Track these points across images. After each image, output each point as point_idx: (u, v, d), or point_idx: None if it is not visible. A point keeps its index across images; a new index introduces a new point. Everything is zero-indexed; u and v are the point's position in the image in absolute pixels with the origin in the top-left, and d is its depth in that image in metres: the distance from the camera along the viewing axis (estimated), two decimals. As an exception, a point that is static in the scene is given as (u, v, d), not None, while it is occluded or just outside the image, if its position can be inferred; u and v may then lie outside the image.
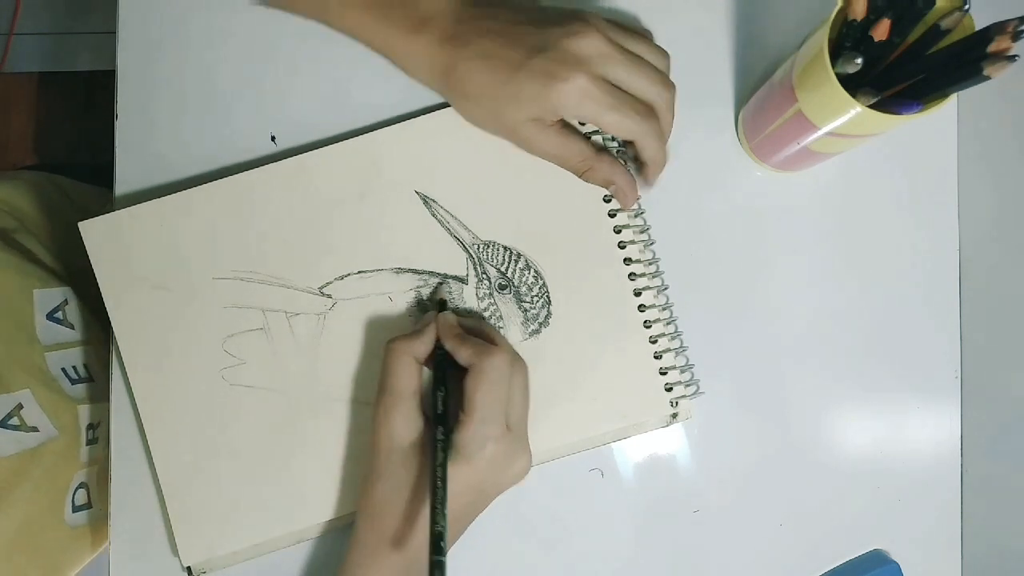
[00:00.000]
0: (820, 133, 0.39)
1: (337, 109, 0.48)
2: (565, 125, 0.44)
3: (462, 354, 0.41)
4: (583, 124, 0.46)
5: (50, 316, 0.54)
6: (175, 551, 0.46)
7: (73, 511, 0.54)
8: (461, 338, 0.42)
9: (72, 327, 0.56)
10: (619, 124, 0.42)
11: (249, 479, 0.45)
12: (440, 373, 0.42)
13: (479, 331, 0.44)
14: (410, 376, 0.41)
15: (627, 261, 0.46)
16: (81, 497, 0.55)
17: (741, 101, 0.49)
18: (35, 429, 0.50)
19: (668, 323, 0.46)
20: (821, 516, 0.48)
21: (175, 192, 0.46)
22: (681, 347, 0.47)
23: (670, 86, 0.43)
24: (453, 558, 0.46)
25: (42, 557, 0.53)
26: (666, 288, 0.47)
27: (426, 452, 0.41)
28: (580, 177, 0.45)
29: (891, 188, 0.49)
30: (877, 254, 0.49)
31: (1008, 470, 0.50)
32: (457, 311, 0.46)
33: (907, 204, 0.49)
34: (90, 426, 0.55)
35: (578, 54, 0.41)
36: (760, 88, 0.45)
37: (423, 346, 0.42)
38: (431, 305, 0.46)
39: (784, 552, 0.48)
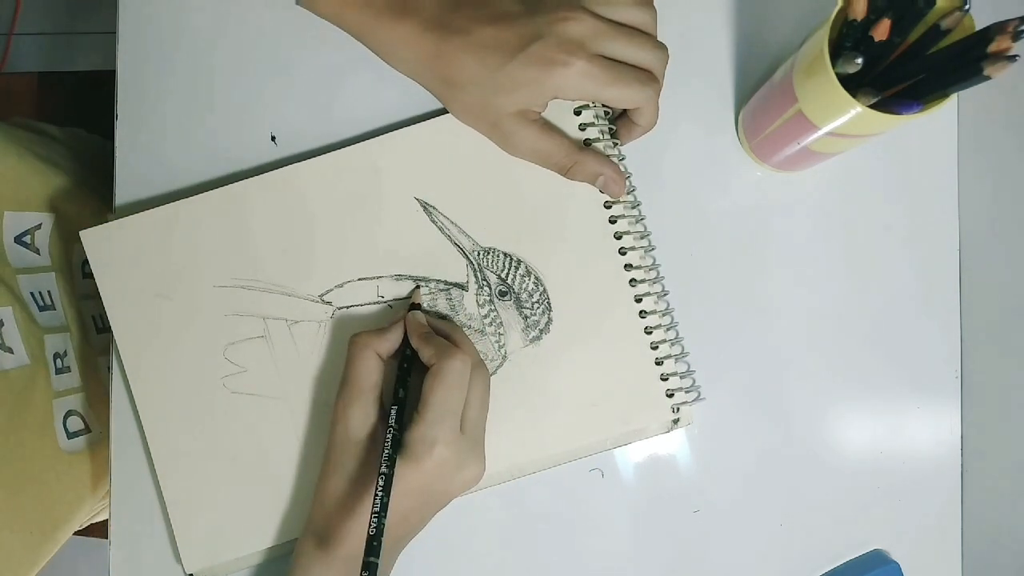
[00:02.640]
0: (820, 133, 0.39)
1: (337, 114, 0.48)
2: (546, 123, 0.44)
3: (425, 352, 0.42)
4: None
5: (17, 239, 0.54)
6: (177, 558, 0.46)
7: (69, 437, 0.54)
8: (426, 337, 0.42)
9: (38, 252, 0.56)
10: (621, 96, 0.42)
11: (251, 486, 0.45)
12: (403, 373, 0.42)
13: (448, 334, 0.44)
14: (370, 370, 0.41)
15: (627, 267, 0.46)
16: (75, 424, 0.55)
17: (741, 101, 0.49)
18: (10, 351, 0.50)
19: (669, 329, 0.46)
20: (821, 516, 0.48)
21: (175, 196, 0.46)
22: (682, 353, 0.47)
23: (662, 49, 0.43)
24: (444, 558, 0.47)
25: (41, 488, 0.52)
26: (667, 294, 0.47)
27: (378, 448, 0.41)
28: (565, 175, 0.45)
29: (891, 188, 0.49)
30: (877, 254, 0.49)
31: (1008, 470, 0.50)
32: (446, 317, 0.46)
33: (907, 204, 0.49)
34: (56, 355, 0.55)
35: (573, 37, 0.41)
36: (760, 88, 0.45)
37: (388, 343, 0.42)
38: (430, 311, 0.46)
39: (784, 552, 0.48)
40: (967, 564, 0.48)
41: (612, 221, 0.46)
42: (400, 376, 0.42)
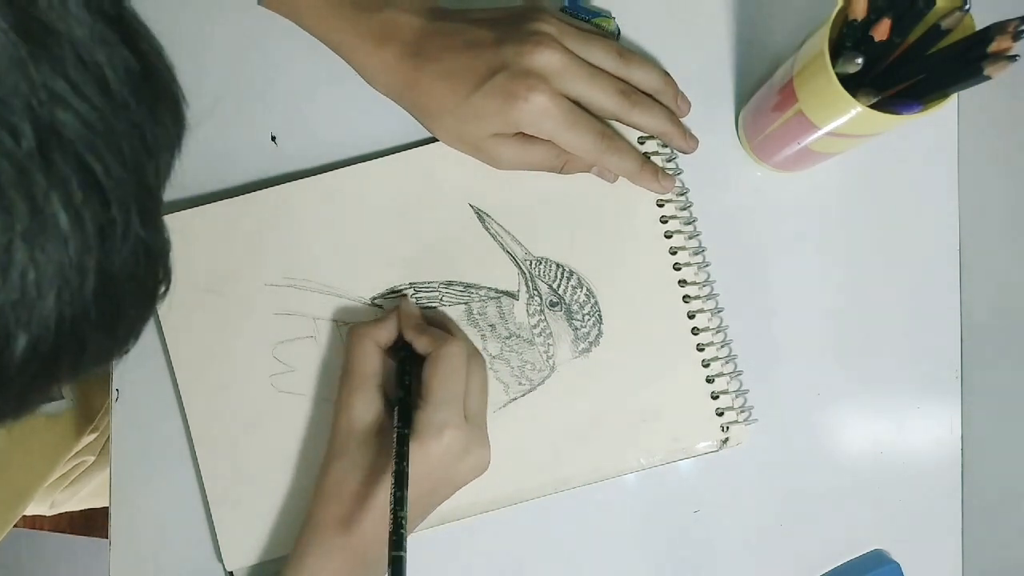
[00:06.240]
0: (820, 133, 0.39)
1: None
2: (525, 134, 0.44)
3: (420, 343, 0.42)
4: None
5: None
6: (219, 556, 0.45)
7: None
8: (420, 328, 0.43)
9: None
10: (575, 144, 0.43)
11: (294, 486, 0.45)
12: (402, 368, 0.42)
13: (440, 324, 0.44)
14: (371, 359, 0.42)
15: (682, 283, 0.45)
16: None
17: (741, 101, 0.49)
18: None
19: (722, 346, 0.46)
20: (821, 516, 0.48)
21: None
22: (735, 371, 0.46)
23: (629, 97, 0.43)
24: (438, 554, 0.47)
25: (23, 450, 0.55)
26: (720, 310, 0.47)
27: (384, 437, 0.41)
28: (561, 173, 0.45)
29: (891, 188, 0.49)
30: (877, 254, 0.49)
31: (1008, 470, 0.50)
32: (494, 325, 0.46)
33: (907, 204, 0.49)
34: None
35: (536, 70, 0.41)
36: (760, 88, 0.45)
37: (385, 332, 0.43)
38: (480, 318, 0.46)
39: (784, 552, 0.48)
40: (967, 564, 0.48)
41: (668, 236, 0.46)
42: (400, 371, 0.42)
